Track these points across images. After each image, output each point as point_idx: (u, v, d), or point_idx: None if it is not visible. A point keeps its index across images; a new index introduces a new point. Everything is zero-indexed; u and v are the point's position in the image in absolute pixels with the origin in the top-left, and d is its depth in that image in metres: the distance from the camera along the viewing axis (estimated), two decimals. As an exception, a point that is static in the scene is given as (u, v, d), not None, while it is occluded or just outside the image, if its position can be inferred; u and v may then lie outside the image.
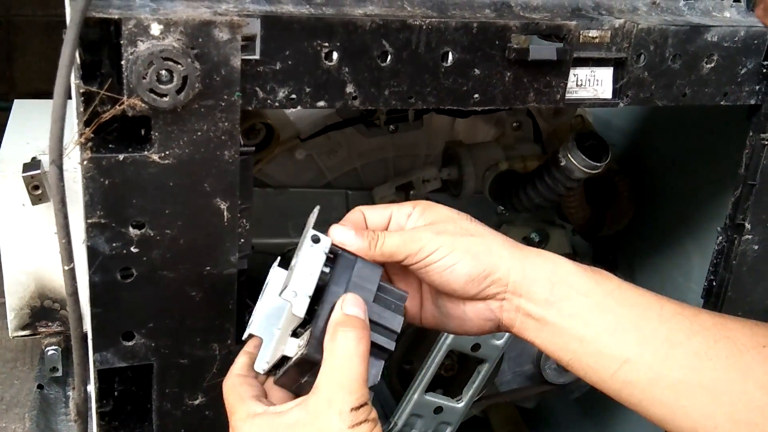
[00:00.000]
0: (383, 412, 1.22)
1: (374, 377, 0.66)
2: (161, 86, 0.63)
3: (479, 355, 1.17)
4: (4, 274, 1.24)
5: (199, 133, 0.67)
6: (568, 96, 0.83)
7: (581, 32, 0.80)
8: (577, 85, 0.83)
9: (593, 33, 0.81)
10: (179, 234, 0.70)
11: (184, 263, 0.71)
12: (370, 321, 0.67)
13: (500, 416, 1.53)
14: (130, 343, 0.73)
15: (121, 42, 0.62)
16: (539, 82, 0.80)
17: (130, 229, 0.69)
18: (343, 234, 0.71)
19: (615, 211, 1.35)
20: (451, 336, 1.13)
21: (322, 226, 1.32)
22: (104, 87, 0.63)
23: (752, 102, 0.92)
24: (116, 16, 0.62)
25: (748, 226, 0.97)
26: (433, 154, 1.31)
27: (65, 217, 0.64)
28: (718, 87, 0.89)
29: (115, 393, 0.79)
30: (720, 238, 1.00)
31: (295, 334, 0.67)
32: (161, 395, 0.76)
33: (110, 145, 0.67)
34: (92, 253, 0.68)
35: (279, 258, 0.73)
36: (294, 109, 1.12)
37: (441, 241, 0.71)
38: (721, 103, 0.90)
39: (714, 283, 1.02)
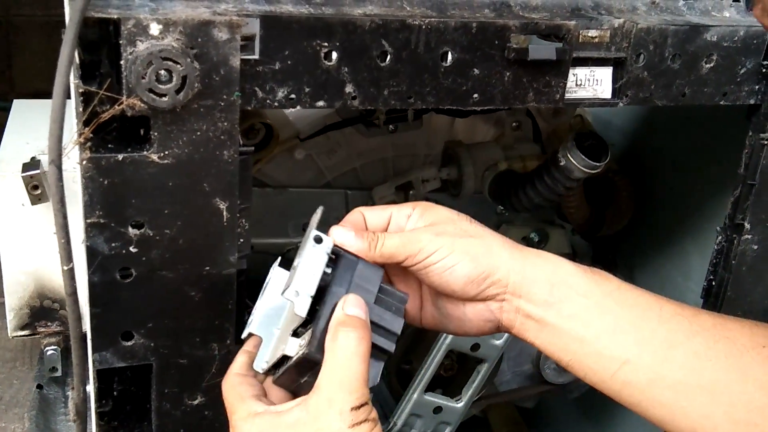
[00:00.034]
0: (383, 412, 1.22)
1: (374, 378, 0.66)
2: (160, 86, 0.63)
3: (479, 355, 1.17)
4: (3, 274, 1.24)
5: (199, 133, 0.67)
6: (567, 96, 0.83)
7: (580, 32, 0.80)
8: (576, 84, 0.83)
9: (592, 33, 0.81)
10: (178, 234, 0.70)
11: (183, 263, 0.71)
12: (371, 322, 0.67)
13: (500, 416, 1.53)
14: (130, 343, 0.73)
15: (120, 42, 0.62)
16: (538, 82, 0.80)
17: (130, 229, 0.69)
18: (343, 235, 0.71)
19: (614, 210, 1.35)
20: (451, 336, 1.13)
21: (322, 226, 1.32)
22: (103, 87, 0.63)
23: (751, 102, 0.92)
24: (115, 16, 0.62)
25: (747, 225, 0.97)
26: (433, 153, 1.31)
27: (64, 217, 0.64)
28: (718, 87, 0.89)
29: (115, 393, 0.78)
30: (719, 237, 1.00)
31: (295, 333, 0.67)
32: (160, 395, 0.76)
33: (109, 145, 0.67)
34: (91, 253, 0.68)
35: (279, 258, 0.73)
36: (293, 109, 1.12)
37: (440, 243, 0.71)
38: (721, 102, 0.90)
39: (713, 283, 1.02)
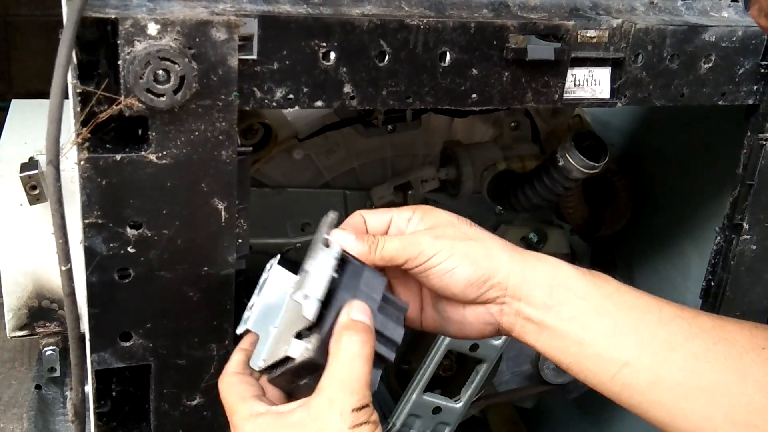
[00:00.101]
0: (381, 412, 1.22)
1: (372, 385, 0.66)
2: (158, 86, 0.63)
3: (478, 355, 1.17)
4: (1, 275, 1.24)
5: (197, 133, 0.67)
6: (566, 96, 0.83)
7: (579, 32, 0.80)
8: (575, 85, 0.83)
9: (591, 33, 0.81)
10: (177, 234, 0.70)
11: (181, 263, 0.71)
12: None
13: (499, 416, 1.53)
14: (128, 344, 0.73)
15: (118, 42, 0.62)
16: (537, 82, 0.80)
17: (128, 229, 0.69)
18: (343, 238, 0.71)
19: (613, 211, 1.35)
20: (450, 336, 1.13)
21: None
22: (101, 87, 0.63)
23: (750, 102, 0.92)
24: (113, 16, 0.62)
25: (746, 226, 0.97)
26: (431, 154, 1.31)
27: (62, 217, 0.64)
28: (716, 87, 0.89)
29: (113, 393, 0.78)
30: (718, 238, 1.00)
31: (298, 335, 0.67)
32: (159, 396, 0.76)
33: (107, 145, 0.66)
34: (89, 253, 0.68)
35: (278, 256, 0.73)
36: (292, 109, 1.12)
37: (440, 246, 0.71)
38: (719, 103, 0.90)
39: (712, 283, 1.02)
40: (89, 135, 0.64)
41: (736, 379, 0.67)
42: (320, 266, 0.67)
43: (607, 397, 0.71)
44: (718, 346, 0.68)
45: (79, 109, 0.64)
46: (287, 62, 0.70)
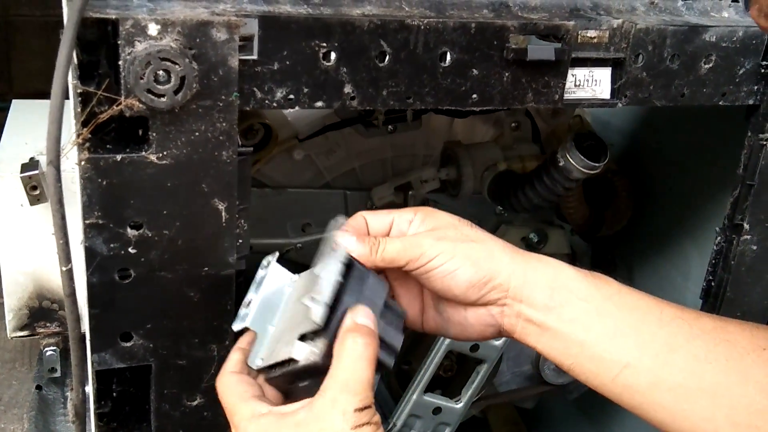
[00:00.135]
0: (382, 413, 1.22)
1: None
2: (159, 86, 0.63)
3: (478, 355, 1.17)
4: (2, 275, 1.24)
5: (197, 134, 0.67)
6: (566, 96, 0.83)
7: (579, 32, 0.80)
8: (575, 85, 0.83)
9: (591, 33, 0.81)
10: (177, 235, 0.70)
11: (182, 264, 0.71)
12: None
13: (499, 416, 1.53)
14: (129, 344, 0.73)
15: (119, 42, 0.62)
16: (537, 83, 0.80)
17: (128, 229, 0.69)
18: (344, 240, 0.71)
19: (614, 211, 1.35)
20: (450, 337, 1.13)
21: (321, 226, 1.32)
22: (102, 87, 0.63)
23: (750, 102, 0.92)
24: (113, 16, 0.62)
25: (746, 226, 0.97)
26: (432, 154, 1.31)
27: (63, 217, 0.64)
28: (717, 87, 0.89)
29: (114, 394, 0.78)
30: (718, 238, 1.00)
31: (302, 337, 0.66)
32: (159, 396, 0.76)
33: (108, 146, 0.66)
34: (90, 253, 0.68)
35: (276, 253, 0.72)
36: (292, 110, 1.12)
37: (442, 247, 0.71)
38: (720, 103, 0.90)
39: (713, 284, 1.01)
40: (90, 135, 0.64)
41: (737, 380, 0.67)
42: (328, 270, 0.67)
43: (609, 399, 0.71)
44: (719, 347, 0.68)
45: (79, 110, 0.64)
46: (288, 62, 0.70)
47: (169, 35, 0.63)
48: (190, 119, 0.67)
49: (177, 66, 0.63)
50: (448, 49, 0.75)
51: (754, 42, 0.88)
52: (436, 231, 0.73)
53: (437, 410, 1.19)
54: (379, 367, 0.68)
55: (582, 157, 1.09)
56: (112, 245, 0.68)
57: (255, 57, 0.68)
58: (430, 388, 1.18)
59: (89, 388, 0.78)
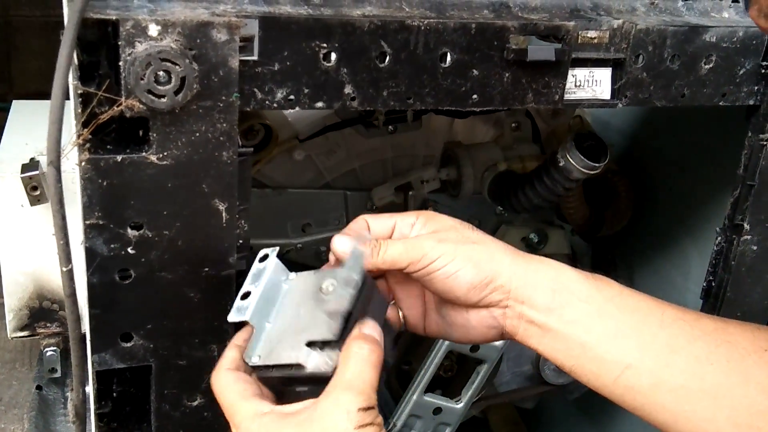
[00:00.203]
0: (382, 413, 1.22)
1: None
2: (159, 87, 0.63)
3: (478, 355, 1.17)
4: (2, 275, 1.24)
5: (197, 134, 0.67)
6: (566, 97, 0.83)
7: (580, 33, 0.80)
8: (575, 85, 0.83)
9: (592, 33, 0.81)
10: (177, 235, 0.70)
11: (182, 264, 0.71)
12: None
13: (499, 417, 1.53)
14: (129, 345, 0.73)
15: (119, 43, 0.62)
16: (538, 83, 0.80)
17: (129, 230, 0.69)
18: (345, 244, 0.71)
19: (614, 211, 1.35)
20: (450, 337, 1.13)
21: (321, 227, 1.32)
22: (102, 88, 0.63)
23: (751, 102, 0.92)
24: (114, 17, 0.62)
25: (746, 226, 0.97)
26: (432, 154, 1.31)
27: (63, 218, 0.64)
28: (717, 87, 0.89)
29: (114, 394, 0.78)
30: (719, 238, 1.00)
31: (309, 344, 0.66)
32: (160, 396, 0.76)
33: (108, 146, 0.66)
34: (90, 254, 0.68)
35: (277, 248, 0.72)
36: (292, 110, 1.12)
37: (443, 249, 0.71)
38: (720, 103, 0.90)
39: (713, 284, 1.01)
40: (90, 136, 0.64)
41: (739, 381, 0.67)
42: (346, 282, 0.66)
43: (610, 400, 0.71)
44: (720, 349, 0.68)
45: (80, 110, 0.64)
46: (288, 63, 0.70)
47: (170, 36, 0.63)
48: (191, 120, 0.67)
49: (177, 67, 0.63)
50: (448, 49, 0.75)
51: (754, 42, 0.88)
52: (437, 233, 0.73)
53: (437, 410, 1.19)
54: None
55: (582, 157, 1.09)
56: (112, 246, 0.68)
57: (255, 58, 0.68)
58: (430, 389, 1.18)
59: (89, 389, 0.78)
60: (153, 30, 0.63)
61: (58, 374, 1.38)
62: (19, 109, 1.46)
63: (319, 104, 0.73)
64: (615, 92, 0.85)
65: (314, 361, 0.64)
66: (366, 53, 0.72)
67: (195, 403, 0.77)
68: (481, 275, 0.71)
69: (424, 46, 0.74)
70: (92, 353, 0.72)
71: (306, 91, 0.71)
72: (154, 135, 0.66)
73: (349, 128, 1.21)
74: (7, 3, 2.82)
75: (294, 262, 1.25)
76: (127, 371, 0.76)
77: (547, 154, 1.32)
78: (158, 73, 0.63)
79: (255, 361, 0.66)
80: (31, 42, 2.88)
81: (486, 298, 0.72)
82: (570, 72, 0.81)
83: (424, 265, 0.70)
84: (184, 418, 0.78)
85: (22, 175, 1.16)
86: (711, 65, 0.88)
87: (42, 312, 1.28)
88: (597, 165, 1.10)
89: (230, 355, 0.69)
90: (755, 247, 0.98)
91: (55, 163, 0.62)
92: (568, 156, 1.10)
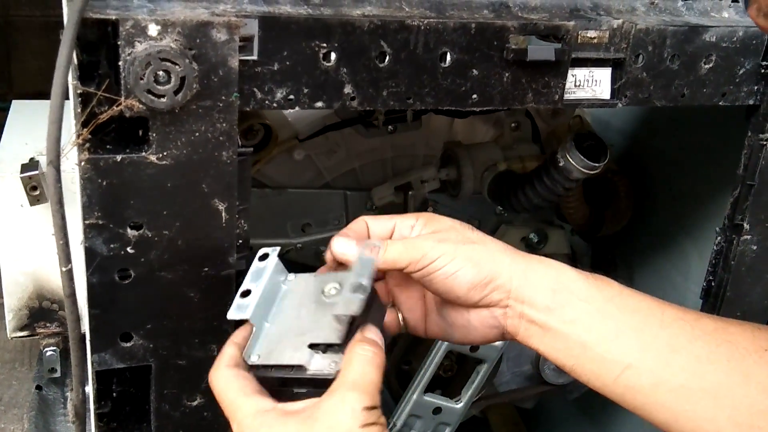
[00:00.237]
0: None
1: None
2: (159, 87, 0.63)
3: (478, 355, 1.17)
4: (2, 275, 1.24)
5: (197, 134, 0.67)
6: (566, 96, 0.83)
7: (579, 33, 0.80)
8: (575, 85, 0.83)
9: (591, 33, 0.81)
10: (177, 235, 0.70)
11: (182, 264, 0.71)
12: None
13: (499, 416, 1.53)
14: (129, 344, 0.73)
15: (119, 43, 0.62)
16: (537, 83, 0.80)
17: (128, 230, 0.68)
18: (344, 245, 0.72)
19: (614, 211, 1.35)
20: (450, 336, 1.12)
21: (321, 227, 1.32)
22: (102, 88, 0.63)
23: (750, 102, 0.92)
24: (114, 17, 0.62)
25: (746, 226, 0.97)
26: (432, 154, 1.31)
27: (63, 218, 0.64)
28: (717, 87, 0.89)
29: (114, 394, 0.78)
30: (719, 238, 1.00)
31: (312, 346, 0.66)
32: (159, 396, 0.76)
33: (108, 146, 0.66)
34: (90, 254, 0.68)
35: (278, 248, 0.72)
36: (292, 110, 1.12)
37: (443, 249, 0.71)
38: (720, 103, 0.90)
39: (713, 284, 1.01)
40: (90, 136, 0.64)
41: (739, 380, 0.67)
42: (355, 288, 0.66)
43: (611, 399, 0.71)
44: (721, 348, 0.68)
45: (79, 110, 0.64)
46: (288, 63, 0.70)
47: (169, 36, 0.63)
48: (190, 120, 0.67)
49: (177, 66, 0.63)
50: (448, 49, 0.75)
51: (754, 42, 0.88)
52: (437, 233, 0.73)
53: (437, 410, 1.19)
54: None
55: (582, 157, 1.09)
56: (112, 245, 0.68)
57: (255, 57, 0.68)
58: (430, 388, 1.18)
59: (89, 389, 0.78)
60: (153, 30, 0.63)
61: (57, 374, 1.38)
62: (19, 108, 1.46)
63: (319, 104, 0.73)
64: (615, 92, 0.85)
65: (317, 364, 0.65)
66: (366, 53, 0.72)
67: (195, 403, 0.77)
68: (481, 275, 0.71)
69: (423, 46, 0.74)
70: (92, 353, 0.72)
71: (306, 90, 0.71)
72: (154, 135, 0.66)
73: (348, 128, 1.21)
74: (7, 3, 2.82)
75: (294, 262, 1.25)
76: (127, 371, 0.76)
77: (546, 154, 1.32)
78: (158, 72, 0.63)
79: (254, 360, 0.66)
80: (31, 42, 2.88)
81: (486, 298, 0.72)
82: (570, 72, 0.81)
83: (424, 265, 0.70)
84: (184, 418, 0.78)
85: (22, 175, 1.16)
86: (711, 65, 0.88)
87: (42, 312, 1.28)
88: (597, 165, 1.10)
89: (229, 352, 0.68)
90: (755, 247, 0.98)
91: (55, 162, 0.62)
92: (567, 156, 1.10)
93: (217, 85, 0.66)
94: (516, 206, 1.24)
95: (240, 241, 0.73)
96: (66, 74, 0.61)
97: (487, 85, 0.78)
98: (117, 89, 0.64)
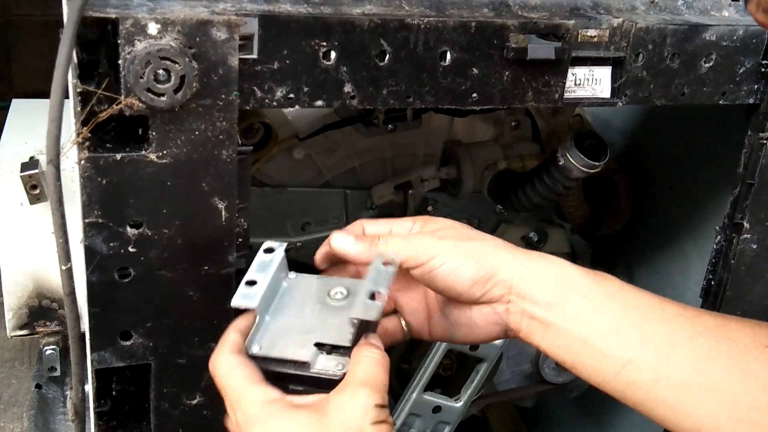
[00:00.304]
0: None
1: None
2: (159, 86, 0.63)
3: (478, 354, 1.17)
4: (2, 274, 1.24)
5: (197, 133, 0.67)
6: (566, 95, 0.83)
7: (579, 31, 0.80)
8: (575, 84, 0.83)
9: (591, 32, 0.81)
10: (177, 234, 0.70)
11: (181, 263, 0.71)
12: None
13: (499, 415, 1.53)
14: (128, 343, 0.73)
15: (119, 41, 0.62)
16: (538, 82, 0.80)
17: (128, 228, 0.68)
18: (343, 240, 0.72)
19: (614, 210, 1.35)
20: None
21: (321, 225, 1.32)
22: (101, 86, 0.63)
23: (750, 101, 0.92)
24: (113, 16, 0.62)
25: (746, 225, 0.97)
26: (432, 153, 1.31)
27: (62, 216, 0.64)
28: (717, 86, 0.89)
29: (113, 393, 0.78)
30: (718, 237, 1.00)
31: (318, 345, 0.66)
32: (159, 395, 0.76)
33: (108, 145, 0.66)
34: (90, 252, 0.68)
35: (285, 243, 0.72)
36: (292, 109, 1.12)
37: (444, 245, 0.71)
38: (720, 102, 0.90)
39: (712, 283, 1.01)
40: (89, 134, 0.64)
41: (739, 377, 0.67)
42: (375, 296, 0.66)
43: (611, 396, 0.71)
44: (721, 345, 0.68)
45: (79, 109, 0.64)
46: (288, 62, 0.70)
47: (169, 34, 0.63)
48: (190, 118, 0.67)
49: (177, 65, 0.63)
50: (448, 48, 0.75)
51: (754, 41, 0.88)
52: (437, 232, 0.74)
53: (437, 409, 1.19)
54: None
55: (582, 156, 1.09)
56: (111, 244, 0.68)
57: (255, 56, 0.68)
58: (429, 387, 1.18)
59: (89, 387, 0.78)
60: (152, 28, 0.63)
61: (57, 373, 1.38)
62: (19, 107, 1.46)
63: (319, 103, 0.73)
64: (615, 91, 0.85)
65: (322, 363, 0.65)
66: (366, 52, 0.72)
67: (194, 402, 0.77)
68: (482, 270, 0.71)
69: (423, 45, 0.74)
70: (91, 352, 0.72)
71: (306, 89, 0.71)
72: (154, 133, 0.66)
73: (348, 127, 1.21)
74: (7, 2, 2.82)
75: (294, 260, 1.25)
76: (127, 370, 0.75)
77: (547, 152, 1.32)
78: (158, 71, 0.63)
79: (255, 350, 0.65)
80: (30, 41, 2.89)
81: (488, 294, 0.72)
82: (570, 70, 0.81)
83: (425, 261, 0.71)
84: (184, 417, 0.78)
85: (22, 174, 1.16)
86: (711, 64, 0.88)
87: (41, 311, 1.28)
88: (597, 164, 1.10)
89: (233, 338, 0.66)
90: (755, 246, 0.98)
91: (55, 161, 0.62)
92: (567, 155, 1.10)
93: (216, 83, 0.66)
94: (516, 205, 1.24)
95: (240, 240, 0.73)
96: (66, 73, 0.60)
97: (487, 83, 0.78)
98: (117, 88, 0.64)
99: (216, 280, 0.73)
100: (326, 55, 0.71)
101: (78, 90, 0.63)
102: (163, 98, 0.64)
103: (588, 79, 0.83)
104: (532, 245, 1.36)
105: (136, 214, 0.68)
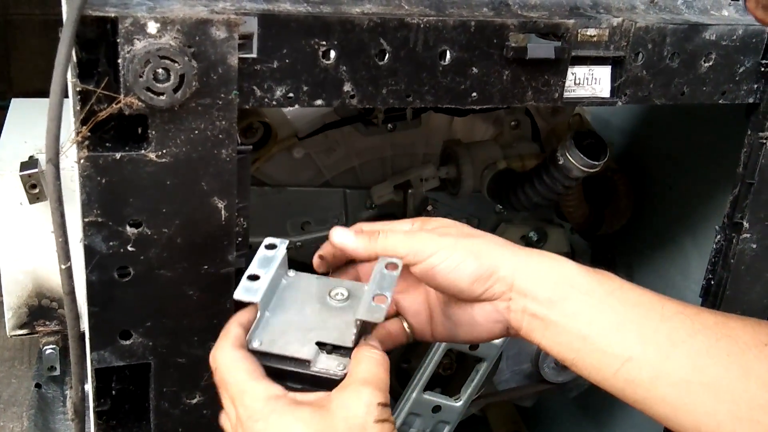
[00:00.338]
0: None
1: None
2: (158, 85, 0.63)
3: (478, 353, 1.17)
4: (1, 273, 1.24)
5: (197, 132, 0.67)
6: (566, 95, 0.83)
7: (579, 31, 0.80)
8: (575, 83, 0.83)
9: (591, 31, 0.81)
10: (176, 233, 0.70)
11: (181, 262, 0.71)
12: None
13: (499, 415, 1.53)
14: (128, 342, 0.73)
15: (118, 40, 0.62)
16: (537, 81, 0.80)
17: (128, 227, 0.68)
18: (342, 234, 0.72)
19: (613, 209, 1.35)
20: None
21: (321, 225, 1.32)
22: (101, 85, 0.63)
23: (750, 100, 0.92)
24: (113, 15, 0.62)
25: (746, 224, 0.97)
26: (432, 152, 1.31)
27: (62, 215, 0.64)
28: (716, 85, 0.89)
29: (113, 392, 0.78)
30: (718, 236, 1.00)
31: (319, 344, 0.66)
32: (159, 394, 0.76)
33: (107, 144, 0.66)
34: (89, 251, 0.68)
35: (287, 241, 0.72)
36: (291, 108, 1.12)
37: (444, 242, 0.71)
38: (719, 101, 0.90)
39: (712, 282, 1.01)
40: (89, 133, 0.64)
41: (739, 375, 0.67)
42: (379, 298, 0.67)
43: (611, 393, 0.71)
44: (721, 343, 0.68)
45: (78, 108, 0.64)
46: (287, 61, 0.70)
47: (169, 33, 0.63)
48: (190, 117, 0.67)
49: (176, 64, 0.63)
50: (447, 47, 0.75)
51: (753, 40, 0.88)
52: (437, 229, 0.74)
53: (437, 408, 1.19)
54: None
55: (582, 155, 1.09)
56: (111, 243, 0.68)
57: (254, 55, 0.68)
58: (429, 387, 1.18)
59: (88, 387, 0.78)
60: (152, 27, 0.63)
61: (57, 372, 1.38)
62: (18, 107, 1.46)
63: (319, 102, 0.73)
64: (614, 90, 0.85)
65: (323, 363, 0.65)
66: (365, 51, 0.72)
67: (194, 401, 0.77)
68: (482, 267, 0.71)
69: (423, 44, 0.74)
70: (91, 351, 0.72)
71: (305, 88, 0.71)
72: (153, 132, 0.66)
73: (348, 126, 1.21)
74: (7, 1, 2.82)
75: (293, 260, 1.25)
76: (126, 369, 0.75)
77: (546, 152, 1.32)
78: (157, 70, 0.63)
79: (255, 345, 0.65)
80: (30, 40, 2.88)
81: (489, 291, 0.72)
82: (569, 70, 0.81)
83: (425, 257, 0.71)
84: (183, 416, 0.78)
85: (21, 173, 1.16)
86: (710, 63, 0.88)
87: (41, 310, 1.28)
88: (596, 163, 1.10)
89: (235, 332, 0.65)
90: (754, 246, 0.98)
91: (54, 160, 0.62)
92: (567, 154, 1.10)
93: (216, 82, 0.66)
94: (516, 205, 1.24)
95: (239, 239, 0.73)
96: (65, 72, 0.60)
97: (487, 83, 0.78)
98: (116, 87, 0.64)
99: (215, 279, 0.73)
100: (326, 55, 0.71)
101: (77, 89, 0.63)
102: (162, 97, 0.64)
103: (588, 79, 0.83)
104: (532, 245, 1.36)
105: (135, 213, 0.68)
